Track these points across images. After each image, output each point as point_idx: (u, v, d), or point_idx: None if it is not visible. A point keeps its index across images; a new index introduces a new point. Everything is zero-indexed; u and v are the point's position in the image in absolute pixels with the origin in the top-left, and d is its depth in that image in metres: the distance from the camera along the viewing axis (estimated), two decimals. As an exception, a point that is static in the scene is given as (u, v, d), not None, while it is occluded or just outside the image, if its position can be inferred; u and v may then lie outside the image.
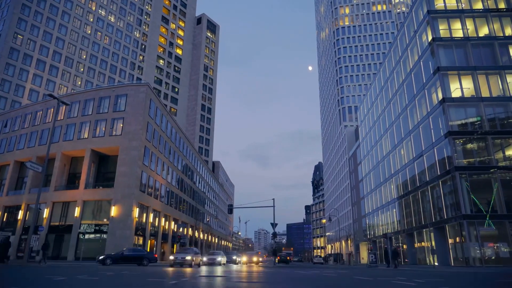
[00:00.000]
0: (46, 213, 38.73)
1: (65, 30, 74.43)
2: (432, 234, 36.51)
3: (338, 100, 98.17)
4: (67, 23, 74.91)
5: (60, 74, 72.12)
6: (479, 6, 37.81)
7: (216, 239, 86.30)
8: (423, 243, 39.77)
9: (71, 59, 74.87)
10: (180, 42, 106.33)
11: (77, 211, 37.70)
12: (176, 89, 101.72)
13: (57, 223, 38.96)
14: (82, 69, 77.11)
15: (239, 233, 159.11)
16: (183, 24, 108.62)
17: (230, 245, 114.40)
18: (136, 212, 37.82)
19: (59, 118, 42.63)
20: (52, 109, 43.98)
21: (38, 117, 45.91)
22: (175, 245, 49.94)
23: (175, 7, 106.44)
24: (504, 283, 10.12)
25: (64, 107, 42.28)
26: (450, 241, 32.98)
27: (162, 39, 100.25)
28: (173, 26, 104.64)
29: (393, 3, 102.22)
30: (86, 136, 41.17)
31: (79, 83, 75.88)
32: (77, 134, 41.60)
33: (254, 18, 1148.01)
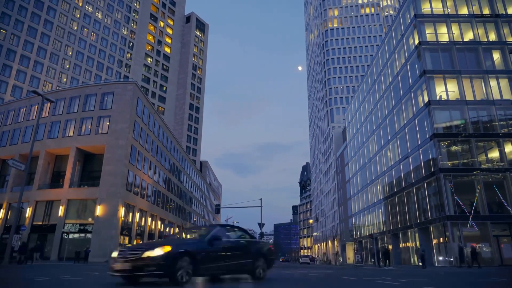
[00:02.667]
0: (28, 212, 37.91)
1: (51, 25, 72.93)
2: (416, 235, 37.10)
3: (326, 101, 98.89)
4: (52, 18, 73.42)
5: (45, 71, 70.64)
6: (464, 11, 38.60)
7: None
8: (408, 243, 40.36)
9: (56, 56, 73.41)
10: (168, 40, 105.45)
11: (61, 210, 37.01)
12: (164, 88, 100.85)
13: (40, 223, 38.17)
14: (67, 66, 75.70)
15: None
16: (171, 23, 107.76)
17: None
18: (122, 211, 37.34)
19: (43, 116, 41.76)
20: (36, 106, 43.07)
21: (22, 114, 44.89)
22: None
23: (164, 5, 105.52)
24: (486, 282, 10.34)
25: (48, 104, 41.44)
26: (434, 241, 33.58)
27: (150, 37, 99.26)
28: (161, 24, 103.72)
29: (381, 6, 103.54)
30: (71, 134, 40.45)
31: (65, 80, 74.47)
32: (62, 132, 40.84)
33: (240, 20, 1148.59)
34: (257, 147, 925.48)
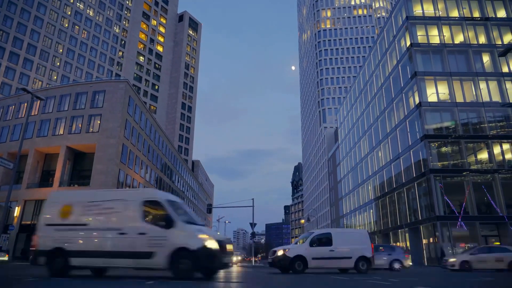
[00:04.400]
0: (17, 211, 37.32)
1: (41, 22, 71.91)
2: (407, 235, 37.46)
3: (318, 101, 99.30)
4: (43, 15, 72.40)
5: (34, 68, 69.63)
6: (455, 14, 39.08)
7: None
8: (398, 243, 40.72)
9: (46, 53, 72.41)
10: (161, 39, 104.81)
11: (50, 210, 36.47)
12: (156, 87, 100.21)
13: (29, 222, 37.58)
14: (58, 63, 74.73)
15: (218, 233, 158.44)
16: (164, 21, 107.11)
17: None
18: (112, 211, 36.96)
19: (32, 114, 41.15)
20: (26, 104, 42.42)
21: (10, 111, 44.19)
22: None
23: (156, 3, 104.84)
24: (473, 281, 10.47)
25: (38, 102, 40.87)
26: (424, 241, 33.95)
27: (143, 35, 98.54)
28: (154, 22, 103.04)
29: (374, 8, 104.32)
30: (61, 132, 39.93)
31: (55, 77, 73.52)
32: (52, 130, 40.30)
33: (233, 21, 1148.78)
34: (240, 152, 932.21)
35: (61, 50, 75.61)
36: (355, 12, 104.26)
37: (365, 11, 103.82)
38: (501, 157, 33.14)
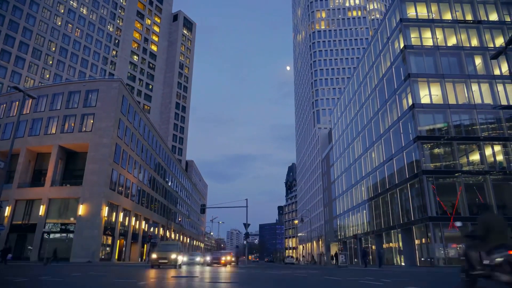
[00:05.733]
0: (7, 211, 36.89)
1: (33, 20, 71.16)
2: (399, 235, 37.68)
3: (312, 102, 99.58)
4: (35, 13, 71.65)
5: (26, 66, 68.87)
6: (448, 17, 39.44)
7: (188, 239, 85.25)
8: (391, 243, 40.96)
9: (39, 51, 71.67)
10: (155, 38, 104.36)
11: (42, 210, 36.15)
12: (150, 86, 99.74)
13: (19, 222, 37.20)
14: (51, 62, 74.00)
15: (212, 233, 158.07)
16: (159, 20, 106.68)
17: (202, 245, 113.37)
18: (105, 211, 36.72)
19: (24, 112, 40.74)
20: (17, 103, 41.97)
21: (2, 110, 43.70)
22: (145, 245, 48.89)
23: (151, 3, 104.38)
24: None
25: (30, 100, 40.46)
26: (416, 242, 34.16)
27: (137, 35, 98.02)
28: (148, 21, 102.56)
29: (368, 9, 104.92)
30: (53, 131, 39.57)
31: (48, 76, 72.80)
32: (44, 129, 39.91)
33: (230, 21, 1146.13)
34: (227, 157, 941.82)
35: (53, 49, 74.89)
36: (349, 14, 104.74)
37: (359, 13, 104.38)
38: (492, 159, 33.51)
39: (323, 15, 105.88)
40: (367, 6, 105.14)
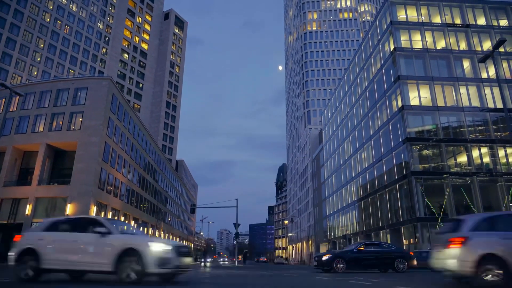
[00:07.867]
0: (-7, 210, 36.13)
1: (21, 16, 69.85)
2: (388, 236, 38.07)
3: (303, 103, 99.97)
4: (23, 8, 70.36)
5: (13, 63, 67.57)
6: (437, 20, 40.01)
7: (178, 239, 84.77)
8: (379, 244, 41.31)
9: (27, 48, 70.40)
10: (146, 36, 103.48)
11: (28, 209, 35.51)
12: (141, 85, 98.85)
13: (5, 221, 36.47)
14: (39, 59, 72.76)
15: (201, 233, 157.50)
16: (150, 19, 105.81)
17: (191, 245, 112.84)
18: (93, 210, 36.26)
19: (11, 110, 39.93)
20: (4, 100, 41.14)
21: (-12, 107, 42.74)
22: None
23: (142, 1, 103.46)
24: (453, 281, 10.69)
25: (17, 98, 39.68)
26: (404, 242, 34.56)
27: (127, 32, 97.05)
28: (139, 19, 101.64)
29: (359, 11, 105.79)
30: (41, 129, 38.91)
31: (35, 73, 71.57)
32: (31, 127, 39.22)
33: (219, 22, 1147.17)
34: (208, 163, 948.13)
35: (42, 45, 73.65)
36: (340, 16, 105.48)
37: (350, 15, 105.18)
38: (479, 161, 34.10)
39: (315, 16, 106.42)
40: (358, 8, 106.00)
